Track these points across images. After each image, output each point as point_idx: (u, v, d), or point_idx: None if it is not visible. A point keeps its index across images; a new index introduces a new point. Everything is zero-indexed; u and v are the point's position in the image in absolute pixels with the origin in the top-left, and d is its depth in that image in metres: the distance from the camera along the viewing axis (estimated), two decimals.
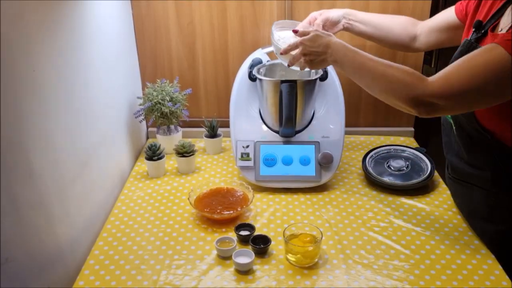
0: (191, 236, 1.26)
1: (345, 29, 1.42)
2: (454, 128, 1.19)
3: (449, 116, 1.21)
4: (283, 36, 1.29)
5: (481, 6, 1.14)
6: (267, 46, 1.59)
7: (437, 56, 1.85)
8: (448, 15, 1.29)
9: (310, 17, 1.42)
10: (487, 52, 0.95)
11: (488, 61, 0.94)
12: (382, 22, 1.40)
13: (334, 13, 1.40)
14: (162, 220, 1.33)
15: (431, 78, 1.00)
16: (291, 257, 1.15)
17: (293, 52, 1.21)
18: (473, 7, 1.17)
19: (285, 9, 1.66)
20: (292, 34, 1.25)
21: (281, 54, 1.25)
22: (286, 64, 1.27)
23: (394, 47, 1.46)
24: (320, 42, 1.14)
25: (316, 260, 1.15)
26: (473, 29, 1.12)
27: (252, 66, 1.49)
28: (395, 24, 1.40)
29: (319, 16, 1.40)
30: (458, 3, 1.26)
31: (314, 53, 1.16)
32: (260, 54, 1.55)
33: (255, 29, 1.70)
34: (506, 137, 1.08)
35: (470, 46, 1.09)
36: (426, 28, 1.36)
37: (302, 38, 1.18)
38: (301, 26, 1.36)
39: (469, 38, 1.12)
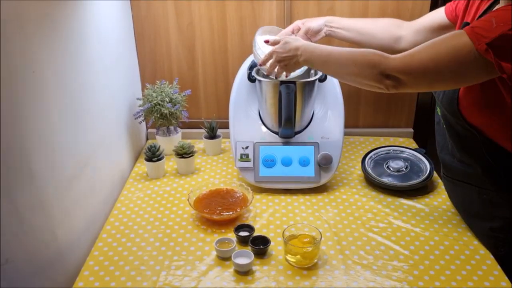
0: (190, 237, 1.26)
1: (328, 35, 1.45)
2: (444, 126, 1.20)
3: (440, 113, 1.22)
4: (262, 46, 1.37)
5: (469, 7, 1.15)
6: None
7: None
8: (438, 15, 1.30)
9: (294, 25, 1.46)
10: (453, 38, 0.98)
11: (451, 45, 0.97)
12: (365, 27, 1.41)
13: (315, 23, 1.43)
14: (162, 221, 1.33)
15: (396, 55, 1.05)
16: (290, 258, 1.16)
17: (269, 62, 1.29)
18: (462, 9, 1.18)
19: (284, 10, 1.66)
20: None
21: (260, 65, 1.34)
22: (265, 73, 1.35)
23: (377, 49, 1.45)
24: (290, 47, 1.22)
25: (316, 260, 1.16)
26: None
27: (251, 68, 1.49)
28: (378, 27, 1.41)
29: (301, 25, 1.45)
30: (448, 4, 1.27)
31: (286, 58, 1.23)
32: None
33: (255, 30, 1.69)
34: (493, 133, 1.09)
35: None
36: (413, 29, 1.36)
37: (274, 47, 1.26)
38: (283, 33, 1.43)
39: None
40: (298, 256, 1.14)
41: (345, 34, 1.42)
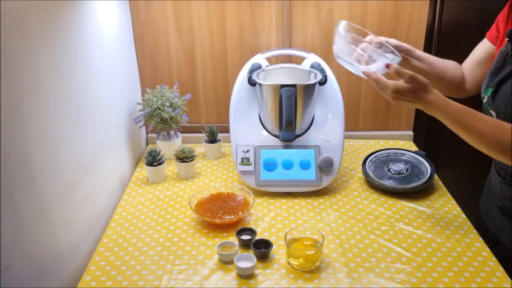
0: (192, 241, 1.25)
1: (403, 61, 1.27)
2: None
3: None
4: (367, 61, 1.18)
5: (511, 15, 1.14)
6: (266, 51, 1.60)
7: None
8: (484, 46, 1.27)
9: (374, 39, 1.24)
10: None
11: None
12: (437, 62, 1.32)
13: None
14: (163, 225, 1.32)
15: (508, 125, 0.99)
16: (293, 261, 1.15)
17: (380, 82, 1.11)
18: (504, 19, 1.16)
19: (283, 13, 1.67)
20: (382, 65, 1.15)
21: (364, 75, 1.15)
22: (353, 69, 1.19)
23: (448, 88, 1.32)
24: (421, 96, 1.05)
25: (318, 263, 1.15)
26: (507, 39, 1.12)
27: (251, 71, 1.49)
28: (448, 65, 1.32)
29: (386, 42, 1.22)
30: (489, 31, 1.25)
31: (406, 100, 1.08)
32: (259, 59, 1.56)
33: (254, 34, 1.71)
34: None
35: (506, 56, 1.10)
36: (468, 67, 1.31)
37: (397, 84, 1.07)
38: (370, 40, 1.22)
39: (503, 48, 1.12)
40: (301, 259, 1.14)
41: (419, 65, 1.29)
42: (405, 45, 1.28)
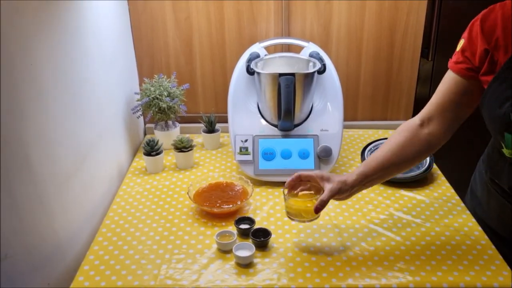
0: (191, 231, 1.25)
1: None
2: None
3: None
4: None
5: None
6: (264, 40, 1.58)
7: (434, 49, 1.86)
8: (455, 84, 1.10)
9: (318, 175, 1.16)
10: None
11: None
12: (395, 157, 1.15)
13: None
14: (162, 215, 1.32)
15: None
16: (292, 216, 1.14)
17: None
18: (479, 41, 1.04)
19: (282, 2, 1.66)
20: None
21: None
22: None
23: (419, 159, 1.21)
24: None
25: (318, 216, 1.13)
26: None
27: (250, 60, 1.49)
28: (406, 149, 1.14)
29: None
30: (456, 66, 1.09)
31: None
32: (257, 48, 1.55)
33: (252, 23, 1.70)
34: None
35: None
36: (435, 116, 1.14)
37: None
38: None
39: None
40: (301, 213, 1.13)
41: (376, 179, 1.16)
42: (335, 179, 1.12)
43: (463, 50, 1.08)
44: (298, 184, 1.16)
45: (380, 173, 1.13)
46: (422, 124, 1.15)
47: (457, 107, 1.12)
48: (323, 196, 1.09)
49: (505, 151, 1.07)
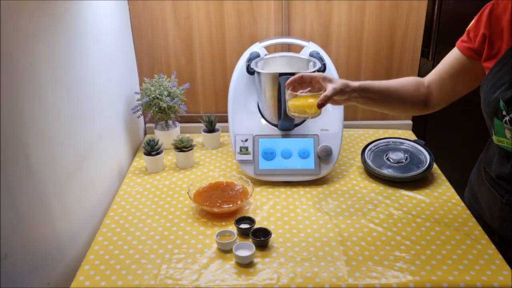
0: (191, 230, 1.25)
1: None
2: None
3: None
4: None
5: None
6: (264, 39, 1.58)
7: (434, 49, 1.86)
8: (456, 57, 1.16)
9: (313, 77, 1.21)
10: None
11: None
12: (390, 89, 1.21)
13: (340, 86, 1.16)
14: (162, 214, 1.32)
15: None
16: (295, 113, 1.17)
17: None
18: (482, 27, 1.08)
19: (282, 2, 1.65)
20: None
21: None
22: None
23: (411, 109, 1.29)
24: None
25: (320, 111, 1.15)
26: None
27: (250, 60, 1.48)
28: (407, 87, 1.23)
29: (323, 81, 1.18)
30: (459, 42, 1.15)
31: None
32: (257, 48, 1.55)
33: (253, 23, 1.69)
34: None
35: None
36: (436, 80, 1.21)
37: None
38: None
39: None
40: (304, 109, 1.15)
41: (370, 97, 1.20)
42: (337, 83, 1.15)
43: (469, 31, 1.13)
44: (298, 87, 1.18)
45: (379, 95, 1.19)
46: (425, 84, 1.23)
47: (454, 81, 1.18)
48: (327, 92, 1.12)
49: (494, 138, 1.10)
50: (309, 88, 1.18)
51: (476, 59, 1.11)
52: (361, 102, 1.19)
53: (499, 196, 1.16)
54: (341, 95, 1.14)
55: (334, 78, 1.16)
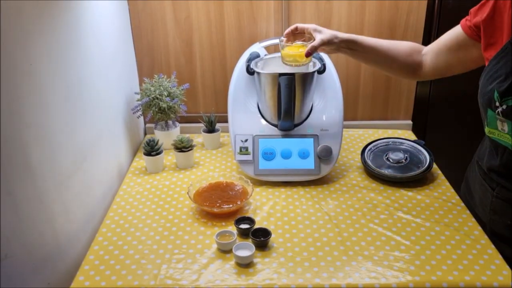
0: (191, 230, 1.25)
1: (342, 53, 1.31)
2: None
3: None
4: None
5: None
6: (264, 40, 1.58)
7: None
8: (456, 33, 1.20)
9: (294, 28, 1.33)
10: None
11: None
12: (382, 47, 1.29)
13: (328, 36, 1.27)
14: (162, 215, 1.32)
15: None
16: (288, 62, 1.31)
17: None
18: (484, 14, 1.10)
19: (282, 2, 1.65)
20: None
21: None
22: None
23: (399, 72, 1.34)
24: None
25: (309, 60, 1.31)
26: None
27: (249, 60, 1.48)
28: (400, 50, 1.29)
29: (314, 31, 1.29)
30: (463, 20, 1.18)
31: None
32: (257, 48, 1.55)
33: (253, 23, 1.69)
34: None
35: None
36: (433, 51, 1.26)
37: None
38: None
39: None
40: (296, 58, 1.28)
41: (363, 55, 1.30)
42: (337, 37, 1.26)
43: (473, 10, 1.15)
44: (294, 36, 1.31)
45: (367, 49, 1.27)
46: (422, 52, 1.29)
47: (450, 54, 1.22)
48: (315, 42, 1.24)
49: (486, 129, 1.11)
50: (303, 39, 1.30)
51: (475, 39, 1.14)
52: (350, 54, 1.29)
53: (490, 189, 1.17)
54: (329, 46, 1.25)
55: (324, 29, 1.27)
